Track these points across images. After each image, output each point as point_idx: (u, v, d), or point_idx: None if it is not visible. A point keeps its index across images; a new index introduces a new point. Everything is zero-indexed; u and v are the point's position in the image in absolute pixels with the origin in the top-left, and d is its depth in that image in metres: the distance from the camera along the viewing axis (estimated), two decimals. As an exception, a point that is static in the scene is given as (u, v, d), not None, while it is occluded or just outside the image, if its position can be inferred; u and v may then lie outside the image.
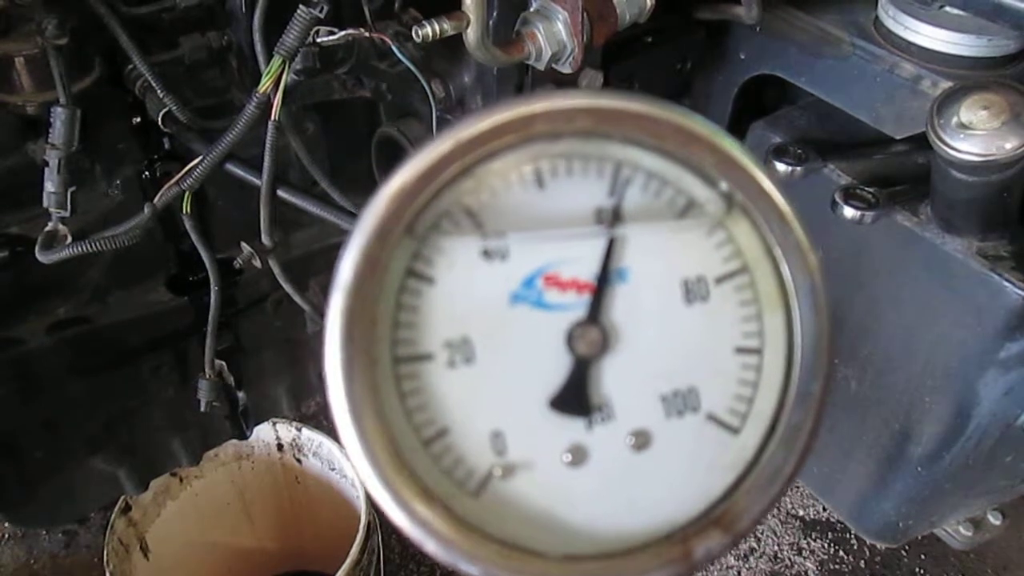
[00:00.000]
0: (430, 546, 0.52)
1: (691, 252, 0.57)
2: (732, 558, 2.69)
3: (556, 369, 0.55)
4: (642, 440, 0.56)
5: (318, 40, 1.06)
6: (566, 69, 1.12)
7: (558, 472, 0.55)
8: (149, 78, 1.13)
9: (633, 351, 0.56)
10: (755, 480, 0.56)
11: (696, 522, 0.56)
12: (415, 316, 0.54)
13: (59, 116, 1.07)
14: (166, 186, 1.17)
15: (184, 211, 1.21)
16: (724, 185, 0.56)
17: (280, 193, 1.19)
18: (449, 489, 0.54)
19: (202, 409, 1.45)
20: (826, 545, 2.72)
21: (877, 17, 1.25)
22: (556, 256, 0.55)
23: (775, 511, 2.79)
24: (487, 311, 0.54)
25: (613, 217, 0.56)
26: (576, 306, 0.55)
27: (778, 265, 0.57)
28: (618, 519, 0.56)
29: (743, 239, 0.57)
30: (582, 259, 0.55)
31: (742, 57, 1.39)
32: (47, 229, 1.13)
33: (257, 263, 1.31)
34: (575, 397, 0.55)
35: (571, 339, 0.55)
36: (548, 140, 0.54)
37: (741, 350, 0.57)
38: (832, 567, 2.68)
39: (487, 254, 0.54)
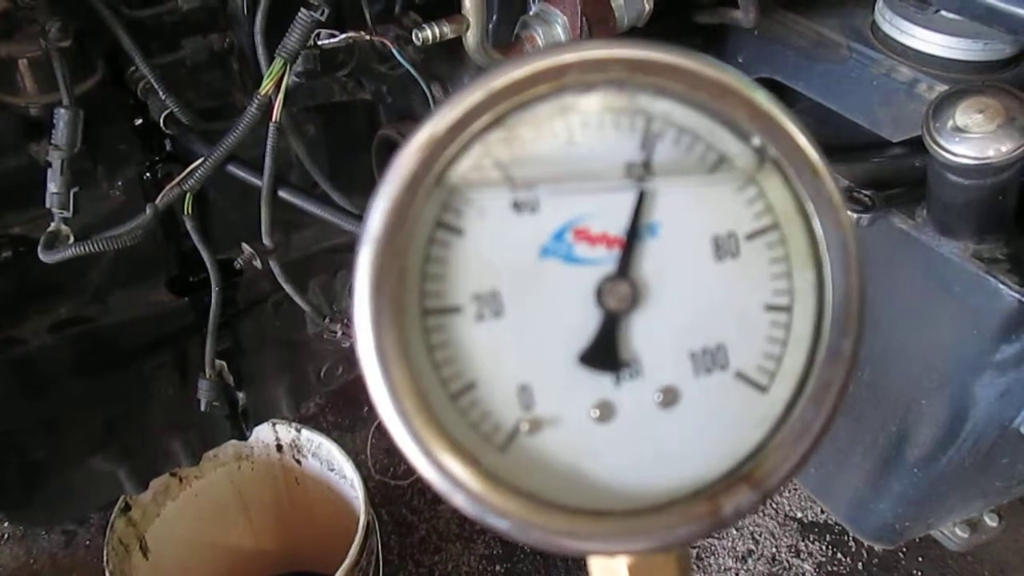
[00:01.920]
0: (458, 499, 0.52)
1: (722, 208, 0.56)
2: (730, 560, 2.69)
3: (585, 324, 0.54)
4: (670, 397, 0.55)
5: (319, 43, 1.07)
6: (565, 72, 1.13)
7: (585, 428, 0.55)
8: (151, 80, 1.13)
9: (662, 307, 0.55)
10: (784, 437, 0.55)
11: (725, 479, 0.55)
12: (444, 268, 0.53)
13: (62, 117, 1.08)
14: (167, 187, 1.17)
15: (185, 212, 1.21)
16: (756, 140, 0.55)
17: (281, 194, 1.19)
18: (476, 443, 0.53)
19: (202, 409, 1.46)
20: (824, 547, 2.73)
21: (874, 21, 1.25)
22: (586, 209, 0.54)
23: (773, 513, 2.80)
24: (516, 264, 0.54)
25: (644, 171, 0.55)
26: (606, 261, 0.54)
27: (809, 222, 0.56)
28: (646, 475, 0.55)
29: (774, 195, 0.56)
30: (612, 213, 0.54)
31: (739, 60, 1.40)
32: (49, 229, 1.13)
33: (258, 264, 1.31)
34: (604, 352, 0.54)
35: (601, 294, 0.54)
36: (580, 91, 0.54)
37: (771, 307, 0.56)
38: (830, 569, 2.68)
39: (517, 206, 0.54)
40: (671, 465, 0.55)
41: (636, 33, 1.20)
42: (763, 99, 0.54)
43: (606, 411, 0.55)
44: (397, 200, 0.51)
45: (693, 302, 0.56)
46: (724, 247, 0.56)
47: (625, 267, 0.54)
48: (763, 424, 0.56)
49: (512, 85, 0.52)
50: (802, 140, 0.55)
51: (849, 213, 0.56)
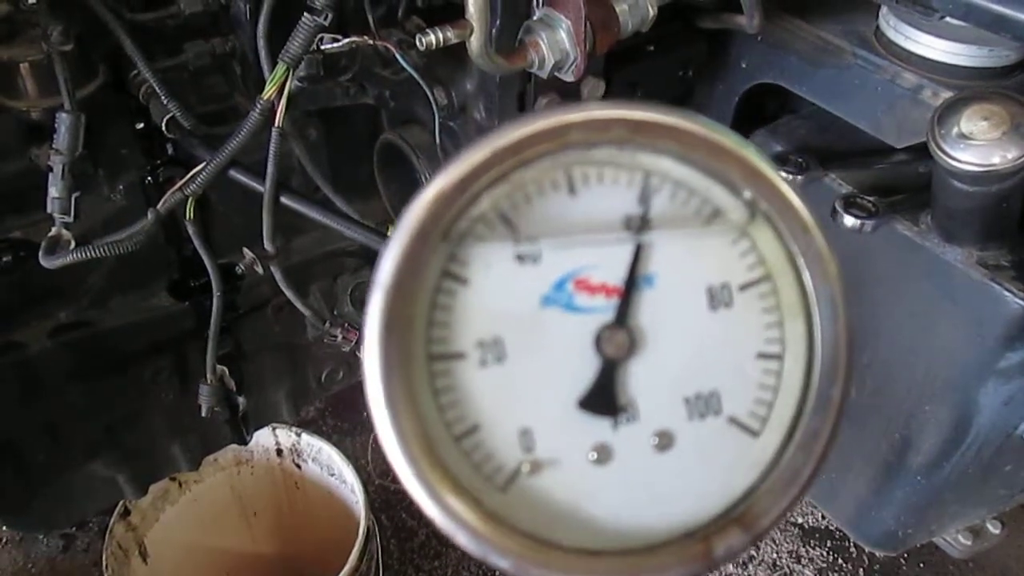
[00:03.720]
0: (461, 538, 0.54)
1: (716, 259, 0.59)
2: (731, 566, 2.69)
3: (584, 370, 0.57)
4: (665, 441, 0.58)
5: (322, 47, 1.07)
6: (568, 77, 1.13)
7: (583, 470, 0.57)
8: (153, 84, 1.13)
9: (658, 354, 0.58)
10: (774, 482, 0.58)
11: (717, 521, 0.57)
12: (449, 316, 0.55)
13: (63, 122, 1.07)
14: (169, 192, 1.17)
15: (187, 217, 1.21)
16: (747, 194, 0.57)
17: (283, 200, 1.19)
18: (479, 484, 0.56)
19: (203, 414, 1.45)
20: (825, 553, 2.72)
21: (878, 27, 1.25)
22: (586, 261, 0.57)
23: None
24: (519, 313, 0.56)
25: (641, 224, 0.57)
26: (605, 310, 0.57)
27: (800, 274, 0.58)
28: (641, 516, 0.57)
29: (766, 248, 0.59)
30: (611, 264, 0.57)
31: (743, 66, 1.40)
32: (50, 234, 1.13)
33: (259, 269, 1.31)
34: (602, 398, 0.57)
35: (599, 341, 0.57)
36: (582, 148, 0.56)
37: (763, 356, 0.59)
38: (831, 575, 2.68)
39: (520, 258, 0.56)
40: (665, 506, 0.58)
41: (639, 38, 1.20)
42: (755, 158, 0.57)
43: (604, 454, 0.57)
44: (407, 251, 0.53)
45: (688, 350, 0.58)
46: (718, 297, 0.58)
47: (623, 316, 0.57)
48: (755, 468, 0.59)
49: (517, 144, 0.55)
50: (793, 198, 0.57)
51: (838, 265, 0.58)
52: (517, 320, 0.56)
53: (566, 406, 0.57)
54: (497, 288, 0.56)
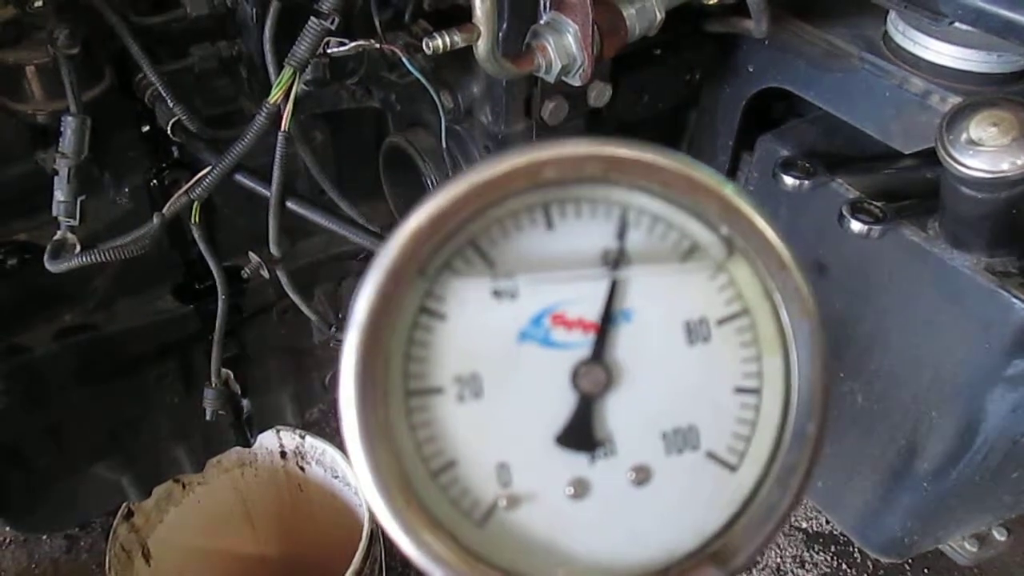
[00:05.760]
0: (437, 574, 0.54)
1: (694, 294, 0.59)
2: (735, 570, 2.68)
3: (561, 405, 0.57)
4: (642, 475, 0.58)
5: (329, 51, 1.07)
6: (576, 82, 1.12)
7: (561, 504, 0.57)
8: (159, 87, 1.13)
9: (636, 389, 0.58)
10: (751, 517, 0.58)
11: (693, 556, 0.58)
12: (427, 351, 0.56)
13: (69, 125, 1.07)
14: (175, 196, 1.17)
15: (193, 221, 1.21)
16: (725, 230, 0.58)
17: (289, 205, 1.19)
18: (455, 519, 0.56)
19: (207, 417, 1.45)
20: (829, 558, 2.71)
21: (886, 32, 1.25)
22: (563, 296, 0.57)
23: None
24: (496, 348, 0.56)
25: (619, 259, 0.58)
26: (581, 345, 0.57)
27: (778, 309, 0.58)
28: (617, 551, 0.58)
29: (744, 283, 0.59)
30: (588, 299, 0.57)
31: (750, 70, 1.39)
32: (56, 238, 1.13)
33: (264, 272, 1.31)
34: (579, 433, 0.57)
35: (576, 377, 0.57)
36: (558, 185, 0.56)
37: (740, 390, 0.59)
38: (835, 580, 2.67)
39: (497, 294, 0.56)
40: (642, 542, 0.58)
41: (646, 42, 1.20)
42: (733, 194, 0.57)
43: (581, 489, 0.58)
44: (381, 289, 0.54)
45: (665, 385, 0.59)
46: (696, 332, 0.59)
47: (599, 351, 0.57)
48: (731, 504, 0.59)
49: (492, 181, 0.55)
50: (770, 234, 0.57)
51: (815, 301, 0.58)
52: (494, 355, 0.56)
53: (543, 441, 0.57)
54: (474, 323, 0.56)
